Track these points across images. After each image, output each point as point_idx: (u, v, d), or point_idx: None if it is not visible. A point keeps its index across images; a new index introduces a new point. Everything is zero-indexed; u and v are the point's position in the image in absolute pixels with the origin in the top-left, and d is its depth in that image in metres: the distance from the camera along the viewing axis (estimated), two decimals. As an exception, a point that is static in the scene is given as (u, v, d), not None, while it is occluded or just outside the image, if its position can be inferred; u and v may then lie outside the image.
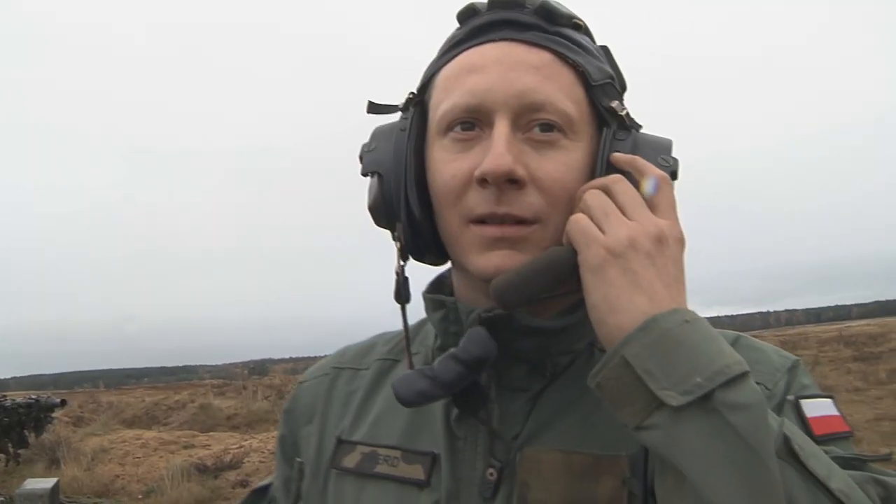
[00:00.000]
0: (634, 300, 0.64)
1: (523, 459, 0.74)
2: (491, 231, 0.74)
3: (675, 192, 0.74)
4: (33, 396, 6.56)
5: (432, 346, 0.89)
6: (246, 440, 11.63)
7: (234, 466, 9.93)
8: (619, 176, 0.73)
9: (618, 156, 0.75)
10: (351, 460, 0.85)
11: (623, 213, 0.69)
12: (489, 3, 0.80)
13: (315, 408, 0.94)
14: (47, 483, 5.75)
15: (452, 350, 0.73)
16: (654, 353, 0.62)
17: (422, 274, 0.89)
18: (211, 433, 13.42)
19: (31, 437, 6.57)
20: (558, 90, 0.75)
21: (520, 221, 0.74)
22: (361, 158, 0.84)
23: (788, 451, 0.60)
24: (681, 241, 0.70)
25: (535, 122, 0.74)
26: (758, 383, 0.74)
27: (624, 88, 0.84)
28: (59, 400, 6.61)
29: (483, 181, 0.72)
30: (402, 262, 0.83)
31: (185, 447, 11.63)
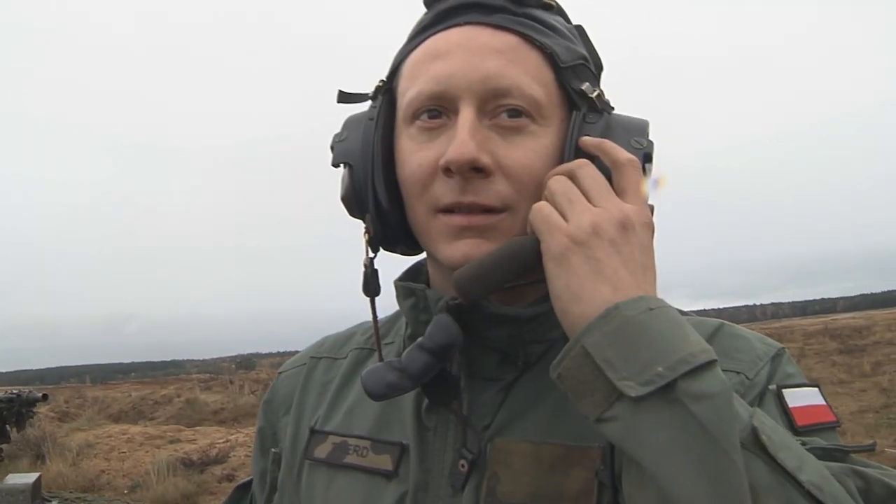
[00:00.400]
0: (598, 289, 0.63)
1: (494, 450, 0.73)
2: (458, 220, 0.73)
3: (656, 176, 0.72)
4: (14, 391, 6.49)
5: (404, 335, 0.89)
6: (232, 434, 11.61)
7: (219, 461, 9.91)
8: (584, 161, 0.71)
9: (586, 139, 0.73)
10: (322, 451, 0.84)
11: (588, 199, 0.68)
12: None
13: (292, 398, 0.93)
14: (29, 478, 5.69)
15: (420, 339, 0.72)
16: (615, 342, 0.60)
17: (401, 266, 0.89)
18: (197, 428, 13.40)
19: (14, 433, 6.50)
20: (524, 74, 0.73)
21: (487, 210, 0.72)
22: (333, 148, 0.82)
23: (755, 442, 0.58)
24: (649, 227, 0.68)
25: (501, 108, 0.73)
26: (738, 372, 0.74)
27: (600, 69, 0.82)
28: (40, 395, 6.53)
29: (448, 170, 0.71)
30: (370, 254, 0.81)
31: (171, 442, 11.60)
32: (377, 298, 0.82)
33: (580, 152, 0.74)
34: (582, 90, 0.76)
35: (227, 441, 10.91)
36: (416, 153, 0.75)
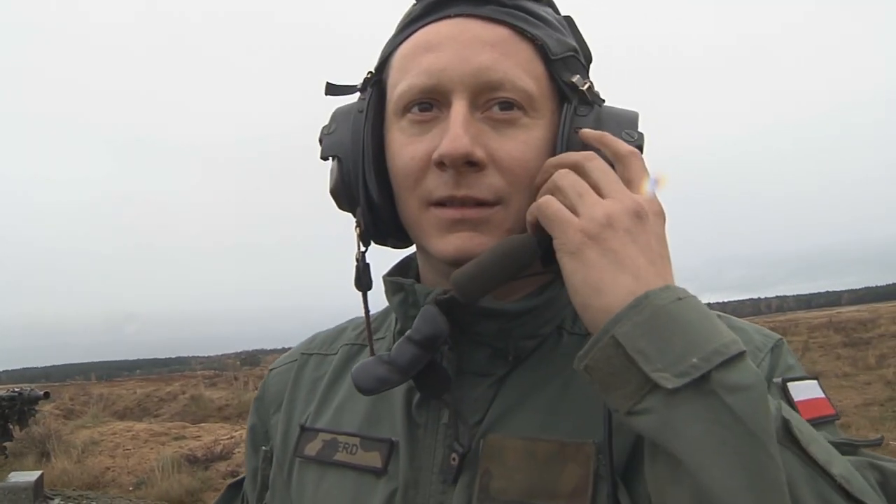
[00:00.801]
0: (618, 280, 0.61)
1: (486, 447, 0.72)
2: (450, 213, 0.72)
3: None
4: (16, 389, 6.52)
5: (394, 331, 0.88)
6: (237, 431, 11.61)
7: (224, 457, 9.92)
8: (591, 153, 0.71)
9: (587, 132, 0.73)
10: (313, 448, 0.84)
11: (598, 191, 0.67)
12: None
13: (283, 395, 0.93)
14: (31, 476, 5.73)
15: (408, 332, 0.71)
16: (647, 332, 0.58)
17: (394, 259, 0.88)
18: (202, 424, 13.42)
19: (16, 430, 6.53)
20: (516, 66, 0.73)
21: (480, 203, 0.72)
22: (321, 141, 0.82)
23: (788, 436, 0.57)
24: (661, 216, 0.67)
25: (493, 101, 0.72)
26: None
27: (589, 60, 0.82)
28: (42, 392, 6.58)
29: (441, 164, 0.71)
30: (362, 248, 0.81)
31: (176, 439, 11.61)
32: (370, 293, 0.82)
33: (572, 145, 0.73)
34: (573, 82, 0.75)
35: (232, 437, 10.92)
36: (407, 146, 0.75)
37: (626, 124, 0.75)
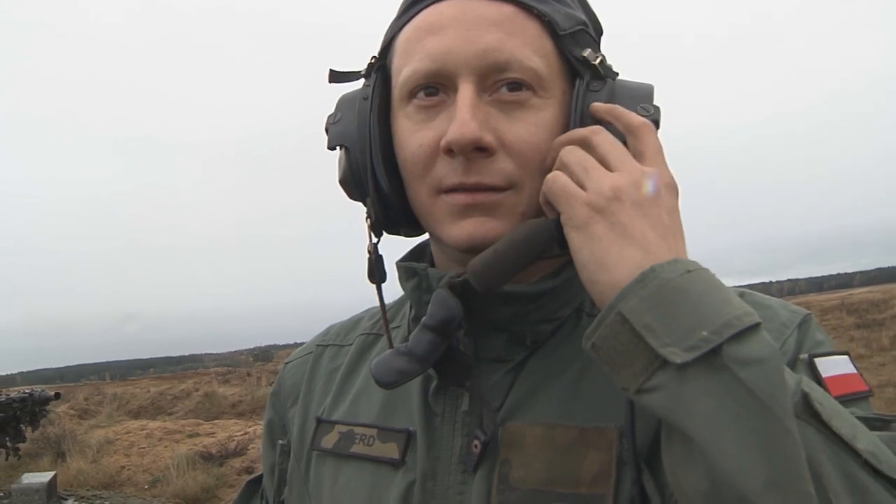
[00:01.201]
0: (626, 253, 0.59)
1: (506, 435, 0.70)
2: (462, 199, 0.70)
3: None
4: (27, 391, 6.57)
5: (409, 318, 0.86)
6: (250, 427, 11.67)
7: (238, 453, 9.97)
8: (597, 127, 0.69)
9: (597, 105, 0.71)
10: (329, 441, 0.82)
11: (605, 165, 0.64)
12: None
13: (299, 388, 0.92)
14: (44, 477, 5.78)
15: (423, 319, 0.69)
16: (654, 306, 0.56)
17: (404, 250, 0.86)
18: (216, 421, 13.50)
19: (28, 431, 6.59)
20: (523, 45, 0.70)
21: (492, 189, 0.70)
22: (327, 131, 0.80)
23: (808, 410, 0.54)
24: (673, 189, 0.65)
25: (501, 83, 0.70)
26: None
27: (600, 33, 0.79)
28: (53, 393, 6.62)
29: (450, 151, 0.69)
30: (373, 240, 0.79)
31: (190, 436, 11.69)
32: (384, 285, 0.80)
33: (586, 122, 0.71)
34: (584, 57, 0.73)
35: (246, 433, 10.97)
36: (415, 133, 0.73)
37: (640, 98, 0.73)
